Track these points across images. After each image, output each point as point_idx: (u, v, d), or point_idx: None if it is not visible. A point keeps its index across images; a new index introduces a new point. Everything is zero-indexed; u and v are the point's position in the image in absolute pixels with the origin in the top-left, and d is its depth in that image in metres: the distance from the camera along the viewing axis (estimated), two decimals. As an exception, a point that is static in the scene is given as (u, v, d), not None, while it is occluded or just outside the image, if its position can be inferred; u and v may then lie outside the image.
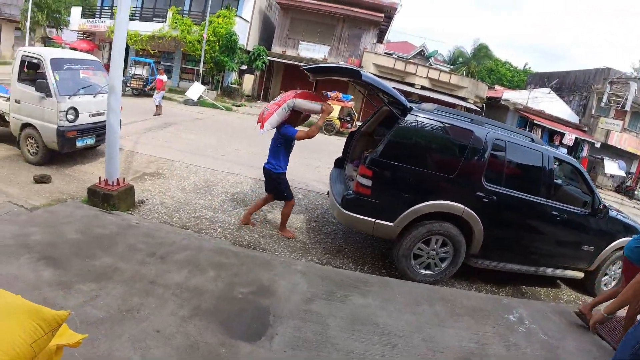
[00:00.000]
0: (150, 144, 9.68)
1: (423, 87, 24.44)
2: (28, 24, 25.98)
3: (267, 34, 27.31)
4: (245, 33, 24.12)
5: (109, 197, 5.32)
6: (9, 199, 5.40)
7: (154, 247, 4.27)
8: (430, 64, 30.03)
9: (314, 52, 25.12)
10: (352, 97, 20.11)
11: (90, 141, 7.38)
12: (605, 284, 6.12)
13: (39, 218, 4.64)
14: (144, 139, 10.14)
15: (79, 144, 7.14)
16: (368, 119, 6.53)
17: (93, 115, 7.29)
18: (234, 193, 7.07)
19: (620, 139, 24.85)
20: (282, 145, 5.31)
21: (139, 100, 18.23)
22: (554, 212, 5.25)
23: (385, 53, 27.38)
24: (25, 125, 7.01)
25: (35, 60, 6.88)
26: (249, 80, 25.36)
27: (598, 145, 24.44)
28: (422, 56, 33.75)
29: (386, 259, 5.69)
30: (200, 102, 19.58)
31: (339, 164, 6.59)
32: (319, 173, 9.99)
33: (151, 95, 19.33)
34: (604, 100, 24.71)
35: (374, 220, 4.78)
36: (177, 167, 8.04)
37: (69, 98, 6.76)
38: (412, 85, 24.32)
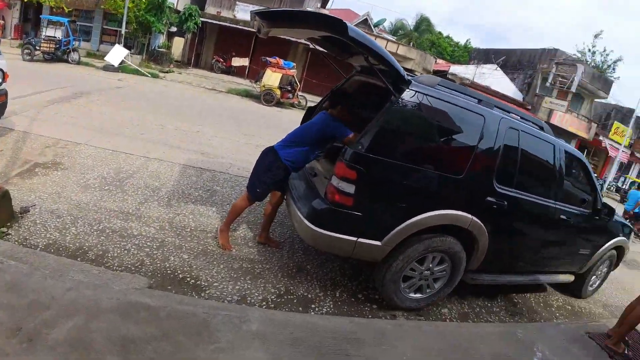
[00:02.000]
0: (52, 120, 7.59)
1: (369, 57, 23.30)
2: None
3: (200, -8, 24.82)
4: (176, -10, 21.57)
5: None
6: None
7: (21, 314, 2.54)
8: (375, 34, 28.73)
9: (252, 13, 23.01)
10: (294, 64, 18.51)
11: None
12: (592, 285, 5.89)
13: None
14: (45, 114, 7.98)
15: None
16: (332, 90, 5.03)
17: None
18: (154, 188, 5.35)
19: (562, 119, 25.35)
20: (320, 140, 4.04)
21: (50, 67, 15.43)
22: (562, 217, 4.53)
23: (328, 19, 25.67)
24: None
25: None
26: (178, 44, 22.95)
27: (541, 123, 24.70)
28: (366, 25, 32.26)
29: (360, 276, 4.45)
30: (122, 68, 17.10)
31: None
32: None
33: (67, 60, 16.85)
34: (549, 80, 24.93)
35: (355, 239, 3.40)
36: (82, 153, 6.12)
37: None
38: (357, 54, 23.07)
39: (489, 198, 3.76)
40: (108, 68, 16.73)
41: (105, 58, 17.13)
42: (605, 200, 5.35)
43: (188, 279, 3.60)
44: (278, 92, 16.79)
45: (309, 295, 3.84)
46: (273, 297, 3.66)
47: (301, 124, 4.67)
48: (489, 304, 4.84)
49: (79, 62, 17.19)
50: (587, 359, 4.05)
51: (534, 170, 4.39)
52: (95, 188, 5.00)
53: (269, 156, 4.08)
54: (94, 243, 3.82)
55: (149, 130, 8.20)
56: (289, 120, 13.13)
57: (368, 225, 3.41)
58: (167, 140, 7.77)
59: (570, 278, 5.37)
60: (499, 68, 27.20)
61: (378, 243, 3.44)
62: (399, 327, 3.60)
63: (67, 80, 12.50)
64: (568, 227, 4.72)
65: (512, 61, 29.96)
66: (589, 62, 34.70)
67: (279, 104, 17.13)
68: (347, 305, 3.88)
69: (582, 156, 5.14)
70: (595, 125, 28.93)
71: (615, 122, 29.80)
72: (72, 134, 6.89)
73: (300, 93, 18.15)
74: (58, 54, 16.79)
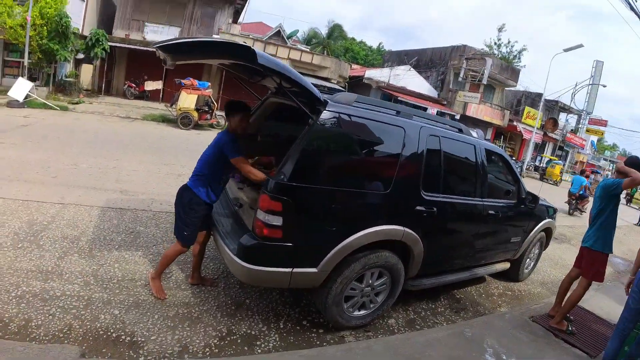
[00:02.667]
0: (-56, 173, 6.77)
1: (284, 70, 23.49)
2: None
3: (106, 16, 23.63)
4: (81, 14, 20.37)
5: None
6: None
7: None
8: (289, 46, 28.95)
9: (162, 34, 22.20)
10: (209, 83, 18.12)
11: None
12: (527, 267, 6.18)
13: None
14: None
15: None
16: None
17: None
18: (73, 238, 4.89)
19: (477, 110, 26.87)
20: (222, 161, 3.79)
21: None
22: (490, 212, 4.69)
23: (241, 34, 25.60)
24: None
25: None
26: (87, 72, 21.45)
27: (458, 117, 26.16)
28: (279, 37, 32.42)
29: (302, 301, 4.34)
30: (29, 102, 15.73)
31: None
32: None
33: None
34: (461, 75, 26.34)
35: (290, 270, 3.28)
36: (-12, 208, 5.47)
37: None
38: (271, 68, 23.19)
39: (418, 207, 3.80)
40: (12, 104, 15.32)
41: (8, 93, 15.64)
42: (525, 179, 5.64)
43: (123, 337, 3.30)
44: (195, 114, 16.38)
45: (253, 332, 3.67)
46: (215, 340, 3.46)
47: None
48: (433, 306, 4.90)
49: None
50: (535, 343, 4.24)
51: (458, 172, 4.52)
52: (7, 247, 4.46)
53: (185, 195, 3.86)
54: (15, 312, 3.38)
55: (62, 172, 7.57)
56: (209, 142, 12.74)
57: (301, 254, 3.30)
58: (82, 180, 7.22)
59: (506, 266, 5.61)
60: (412, 68, 28.40)
61: (314, 270, 3.35)
62: (349, 352, 3.51)
63: (-34, 124, 11.35)
64: (497, 220, 4.89)
65: (424, 60, 31.46)
66: (496, 55, 37.13)
67: (197, 127, 16.72)
68: (293, 335, 3.74)
69: (502, 151, 5.40)
70: (508, 112, 31.05)
71: (527, 107, 32.14)
72: (-29, 187, 6.19)
73: (218, 113, 17.78)
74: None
